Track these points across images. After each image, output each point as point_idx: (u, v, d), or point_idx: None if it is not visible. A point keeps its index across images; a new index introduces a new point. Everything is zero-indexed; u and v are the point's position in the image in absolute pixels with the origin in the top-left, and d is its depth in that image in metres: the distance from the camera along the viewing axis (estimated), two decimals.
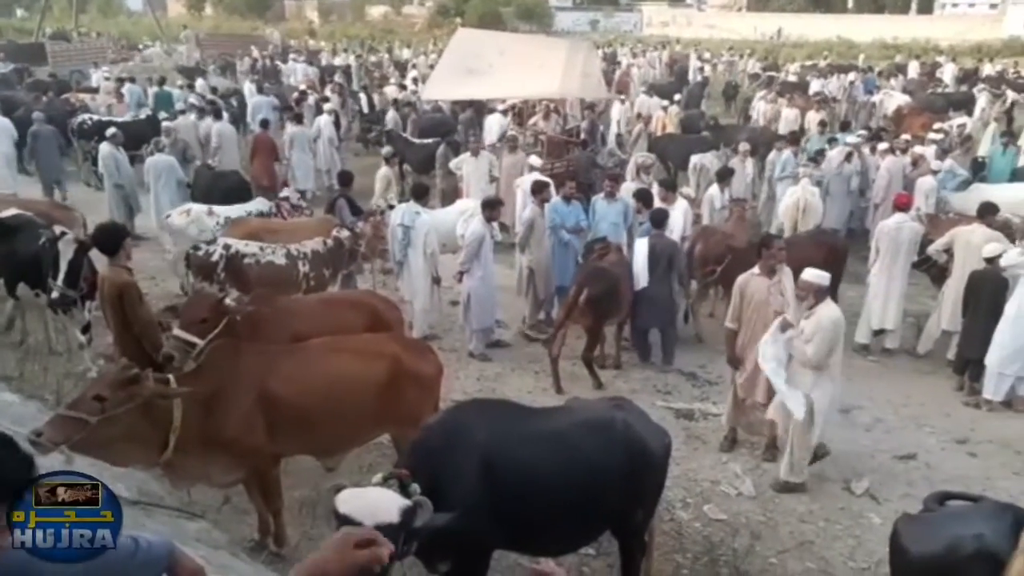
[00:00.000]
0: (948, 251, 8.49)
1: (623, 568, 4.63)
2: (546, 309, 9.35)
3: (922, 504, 3.97)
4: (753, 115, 20.36)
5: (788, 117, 17.67)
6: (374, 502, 2.95)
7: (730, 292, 8.91)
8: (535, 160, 11.52)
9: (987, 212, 8.33)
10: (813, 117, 16.66)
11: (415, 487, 3.34)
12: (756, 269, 6.48)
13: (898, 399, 7.83)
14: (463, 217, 9.66)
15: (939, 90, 23.72)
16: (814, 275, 6.01)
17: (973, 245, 8.01)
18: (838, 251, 9.12)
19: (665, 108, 17.83)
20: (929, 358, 8.70)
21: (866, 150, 12.31)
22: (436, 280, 8.84)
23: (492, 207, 8.58)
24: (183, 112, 15.07)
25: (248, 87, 21.32)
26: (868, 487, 6.31)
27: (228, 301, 5.54)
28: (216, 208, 9.50)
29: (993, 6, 52.29)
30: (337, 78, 23.15)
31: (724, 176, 10.94)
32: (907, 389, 8.05)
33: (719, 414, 7.35)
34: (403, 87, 21.82)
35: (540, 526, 4.08)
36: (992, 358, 7.56)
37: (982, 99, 20.36)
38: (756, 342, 6.34)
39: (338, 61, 30.31)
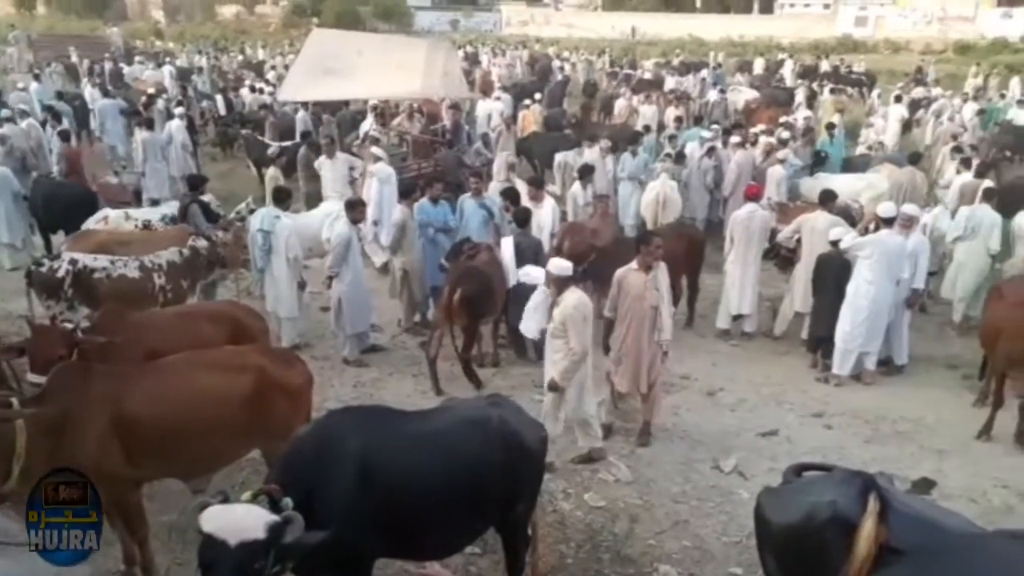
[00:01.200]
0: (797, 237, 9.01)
1: (508, 564, 4.65)
2: (421, 311, 9.26)
3: (782, 477, 4.17)
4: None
5: (646, 114, 18.26)
6: (239, 519, 2.83)
7: (598, 287, 9.20)
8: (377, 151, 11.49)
9: (828, 199, 8.90)
10: (670, 113, 17.29)
11: (287, 502, 3.22)
12: (634, 264, 6.64)
13: (759, 379, 8.23)
14: (328, 220, 9.41)
15: (780, 85, 25.25)
16: (555, 265, 6.31)
17: (818, 230, 8.54)
18: (697, 242, 9.52)
19: (528, 106, 18.06)
20: (785, 339, 9.19)
21: (719, 144, 12.89)
22: (302, 286, 8.57)
23: (356, 208, 8.40)
24: (10, 120, 13.87)
25: (90, 91, 19.96)
26: (736, 464, 6.59)
27: (78, 333, 5.17)
28: (133, 212, 9.13)
29: (827, 6, 56.19)
30: (194, 79, 22.11)
31: (586, 173, 11.18)
32: (767, 369, 8.47)
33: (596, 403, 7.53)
34: (255, 89, 21.05)
35: (423, 530, 4.03)
36: (838, 335, 8.08)
37: (801, 93, 21.68)
38: (632, 335, 6.59)
39: (184, 62, 28.87)
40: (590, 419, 6.58)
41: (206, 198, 9.79)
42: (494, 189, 10.11)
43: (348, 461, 3.77)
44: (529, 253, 8.23)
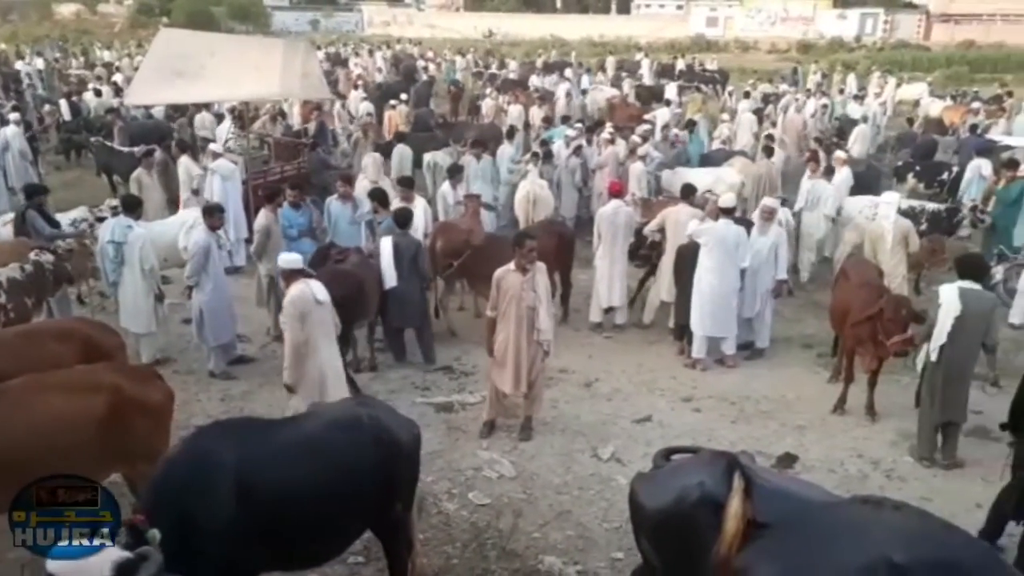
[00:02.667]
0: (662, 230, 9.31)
1: (391, 569, 4.60)
2: None
3: (652, 462, 4.28)
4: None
5: (513, 113, 18.44)
6: (83, 559, 2.63)
7: (475, 286, 9.21)
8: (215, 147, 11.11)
9: (688, 192, 9.31)
10: (536, 113, 17.52)
11: (152, 534, 3.01)
12: (511, 265, 6.67)
13: (631, 369, 8.45)
14: (184, 228, 8.95)
15: (640, 84, 26.13)
16: (283, 259, 6.49)
17: (680, 223, 8.86)
18: (567, 239, 9.70)
19: (394, 107, 17.86)
20: (654, 328, 9.49)
21: (583, 142, 13.18)
22: (160, 298, 8.11)
23: (214, 215, 8.02)
24: None
25: None
26: (613, 452, 6.74)
27: None
28: None
29: (680, 7, 58.76)
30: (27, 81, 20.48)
31: (455, 173, 11.17)
32: (638, 359, 8.71)
33: (476, 402, 7.55)
34: (100, 92, 19.78)
35: (303, 538, 3.95)
36: (693, 322, 8.43)
37: (671, 90, 22.66)
38: (512, 335, 6.64)
39: (23, 65, 26.76)
40: None
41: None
42: (362, 189, 9.91)
43: (222, 478, 3.66)
44: (408, 254, 8.13)
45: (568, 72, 26.38)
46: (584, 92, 23.76)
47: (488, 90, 21.98)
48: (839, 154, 12.48)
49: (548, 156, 12.35)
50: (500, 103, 19.86)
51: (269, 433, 4.08)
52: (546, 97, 20.59)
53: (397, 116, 17.53)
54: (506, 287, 6.63)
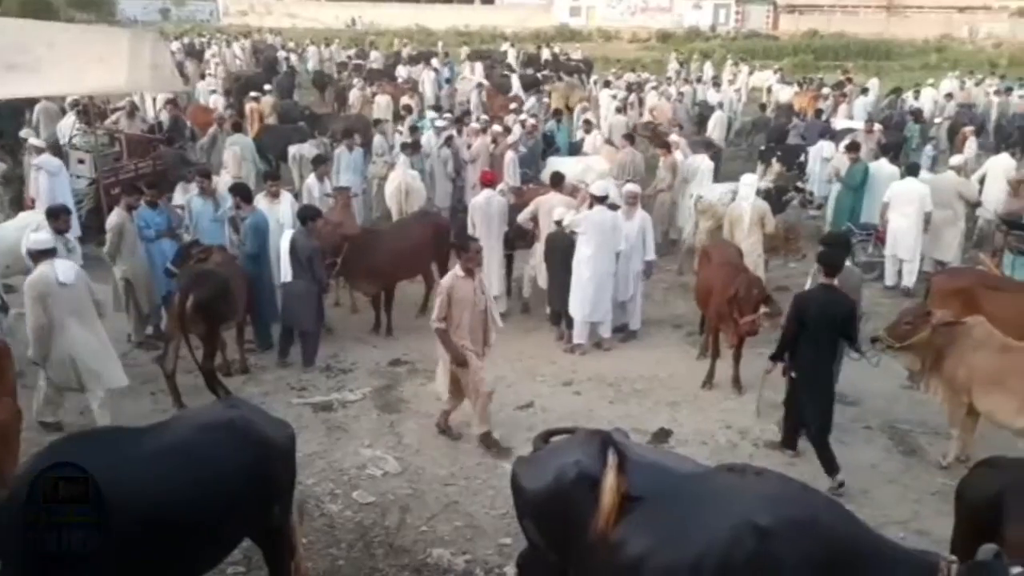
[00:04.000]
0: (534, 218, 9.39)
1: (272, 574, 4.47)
2: (153, 322, 8.49)
3: (532, 445, 4.34)
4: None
5: (381, 104, 18.16)
6: None
7: (351, 281, 9.02)
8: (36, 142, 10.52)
9: (558, 181, 9.47)
10: (404, 103, 17.33)
11: None
12: (459, 271, 6.54)
13: (513, 355, 8.49)
14: (27, 231, 8.27)
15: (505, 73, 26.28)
16: (31, 240, 6.47)
17: (554, 211, 9.00)
18: (443, 229, 9.65)
19: (256, 98, 17.21)
20: (534, 315, 9.61)
21: (454, 132, 13.14)
22: (3, 308, 7.49)
23: (59, 217, 7.47)
24: None
25: None
26: (499, 439, 6.78)
27: None
28: None
29: None
30: None
31: (320, 164, 10.90)
32: (519, 346, 8.77)
33: (357, 400, 7.47)
34: None
35: (178, 551, 3.73)
36: (572, 308, 8.61)
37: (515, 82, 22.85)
38: (470, 342, 6.57)
39: None
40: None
41: None
42: (224, 185, 9.49)
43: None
44: (305, 254, 7.89)
45: (435, 62, 26.21)
46: (448, 81, 23.71)
47: (355, 80, 21.53)
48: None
49: (416, 146, 12.23)
50: (366, 94, 19.53)
51: (130, 443, 3.82)
52: (413, 87, 20.40)
53: (262, 108, 16.90)
54: (460, 296, 6.48)
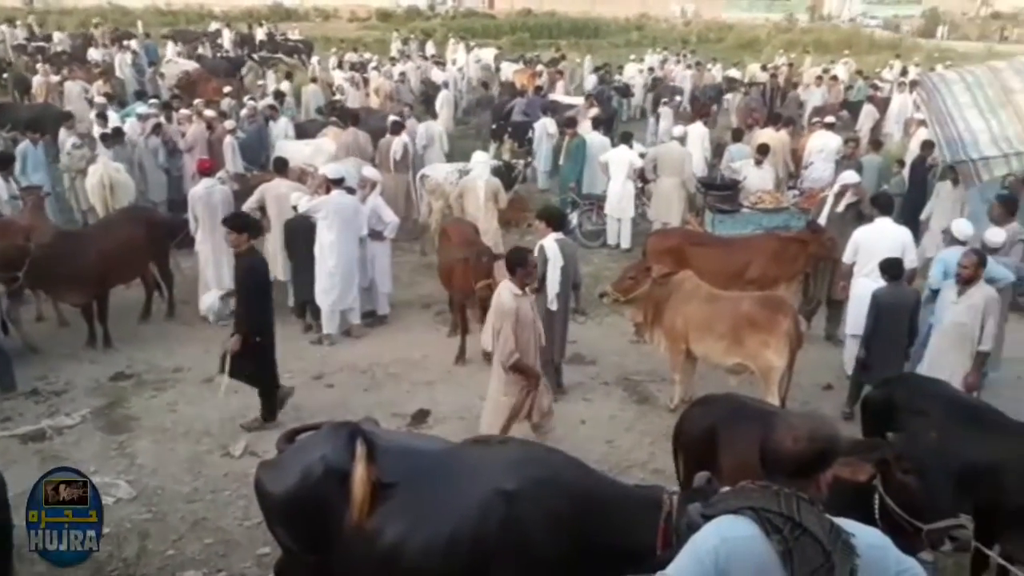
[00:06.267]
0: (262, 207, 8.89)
1: None
2: None
3: (275, 447, 4.12)
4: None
5: (72, 91, 16.42)
6: None
7: (51, 291, 7.95)
8: None
9: (281, 166, 9.08)
10: (99, 87, 15.78)
11: None
12: (514, 288, 5.65)
13: None
14: None
15: (223, 55, 24.73)
16: None
17: (282, 197, 8.61)
18: (158, 225, 8.94)
19: None
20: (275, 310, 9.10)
21: (162, 119, 12.15)
22: None
23: None
24: None
25: None
26: (247, 446, 6.41)
27: None
28: None
29: None
30: None
31: (5, 163, 9.53)
32: None
33: (75, 424, 6.72)
34: None
35: None
36: (318, 297, 8.36)
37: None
38: (533, 361, 5.80)
39: None
40: None
41: None
42: None
43: None
44: None
45: (134, 44, 23.91)
46: (152, 64, 21.86)
47: (39, 66, 19.06)
48: None
49: (119, 136, 11.09)
50: (51, 80, 17.41)
51: None
52: (106, 72, 18.51)
53: None
54: (524, 316, 5.64)
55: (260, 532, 5.33)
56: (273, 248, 8.88)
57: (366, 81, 19.49)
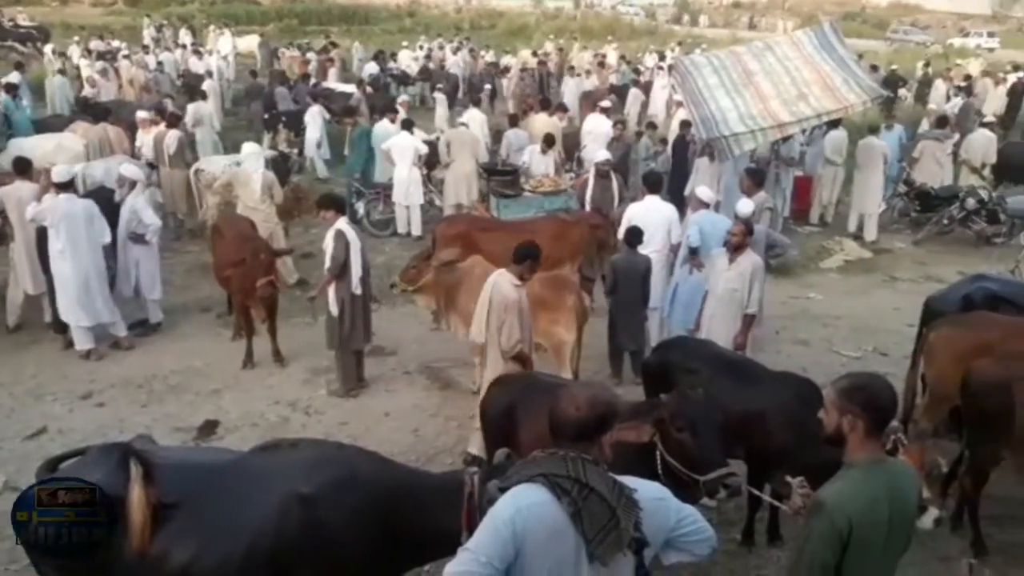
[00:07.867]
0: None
1: None
2: None
3: (35, 477, 3.66)
4: None
5: None
6: None
7: None
8: None
9: (24, 168, 8.00)
10: None
11: None
12: (514, 279, 5.59)
13: (8, 379, 7.24)
14: None
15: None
16: None
17: (24, 201, 7.59)
18: None
19: None
20: (30, 327, 8.22)
21: None
22: None
23: None
24: None
25: None
26: (6, 480, 5.65)
27: None
28: None
29: None
30: None
31: None
32: (18, 366, 7.48)
33: None
34: None
35: None
36: (64, 313, 7.60)
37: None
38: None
39: None
40: None
41: None
42: None
43: None
44: None
45: None
46: None
47: None
48: None
49: None
50: None
51: None
52: None
53: None
54: (523, 306, 5.68)
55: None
56: (19, 259, 7.96)
57: (118, 72, 17.92)
